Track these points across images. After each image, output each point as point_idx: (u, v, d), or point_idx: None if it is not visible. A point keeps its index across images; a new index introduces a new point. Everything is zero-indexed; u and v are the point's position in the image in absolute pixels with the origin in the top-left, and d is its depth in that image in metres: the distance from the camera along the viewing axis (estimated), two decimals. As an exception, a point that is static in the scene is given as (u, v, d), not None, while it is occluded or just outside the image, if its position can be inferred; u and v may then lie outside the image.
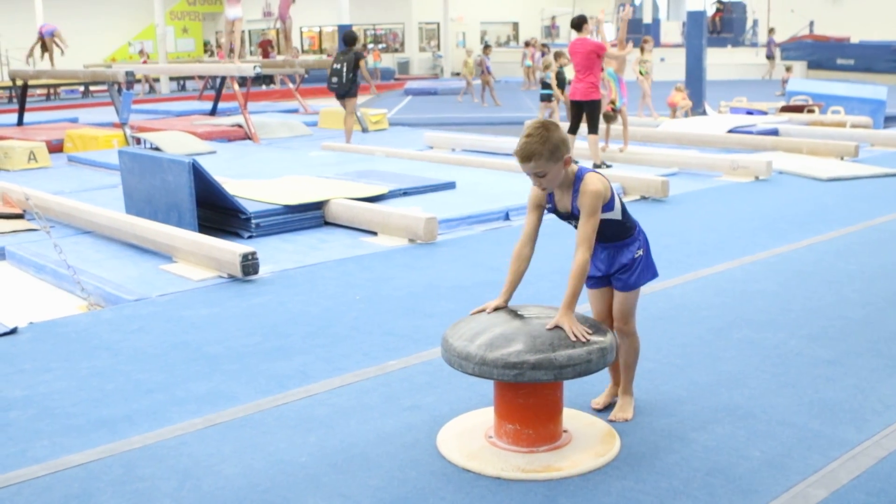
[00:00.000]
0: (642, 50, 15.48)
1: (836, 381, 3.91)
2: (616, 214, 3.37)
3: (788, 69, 22.66)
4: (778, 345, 4.38)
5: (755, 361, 4.16)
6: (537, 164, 3.17)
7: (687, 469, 3.13)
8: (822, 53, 28.99)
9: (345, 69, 12.69)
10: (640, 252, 3.48)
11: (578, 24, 10.28)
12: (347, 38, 13.02)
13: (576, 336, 3.10)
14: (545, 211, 3.39)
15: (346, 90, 12.81)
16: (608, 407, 3.65)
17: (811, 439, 3.34)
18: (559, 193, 3.32)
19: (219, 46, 29.37)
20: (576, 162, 3.57)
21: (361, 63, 12.79)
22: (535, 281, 4.83)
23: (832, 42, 30.85)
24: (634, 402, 3.62)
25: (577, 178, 3.27)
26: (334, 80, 12.78)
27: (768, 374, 4.00)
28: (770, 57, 29.27)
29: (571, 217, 3.33)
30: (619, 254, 3.47)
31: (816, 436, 3.37)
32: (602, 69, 10.35)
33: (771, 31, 29.66)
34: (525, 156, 3.18)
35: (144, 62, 31.20)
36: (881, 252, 6.20)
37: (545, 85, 14.09)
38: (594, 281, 3.56)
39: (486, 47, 24.72)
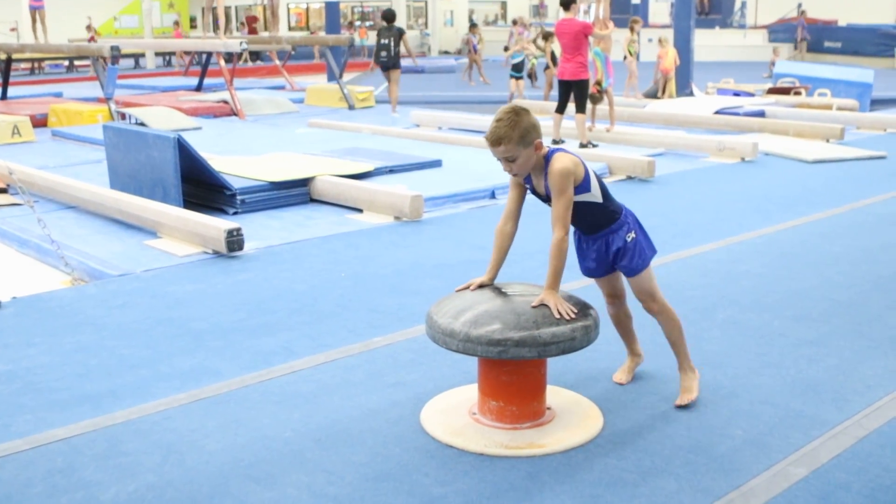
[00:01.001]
0: (631, 30, 15.46)
1: (818, 361, 3.93)
2: (595, 196, 3.31)
3: (776, 51, 22.64)
4: (762, 325, 4.40)
5: (739, 341, 4.18)
6: (507, 149, 3.15)
7: (669, 447, 3.15)
8: (810, 36, 29.01)
9: (392, 43, 14.01)
10: (633, 235, 3.42)
11: (567, 3, 10.24)
12: (388, 15, 14.44)
13: (560, 313, 3.11)
14: (526, 190, 3.37)
15: (393, 62, 14.17)
16: (631, 383, 3.71)
17: (793, 419, 3.36)
18: (535, 177, 3.29)
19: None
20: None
21: (405, 37, 14.26)
22: (520, 260, 4.84)
23: (820, 25, 30.86)
24: (699, 377, 3.58)
25: (546, 159, 3.23)
26: (383, 53, 14.09)
27: (752, 354, 4.03)
28: (804, 40, 28.63)
29: (547, 199, 3.30)
30: (609, 243, 3.42)
31: (798, 415, 3.39)
32: (589, 48, 10.33)
33: (802, 13, 29.10)
34: (495, 140, 3.15)
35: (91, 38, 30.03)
36: (865, 234, 6.23)
37: (515, 67, 14.32)
38: (594, 272, 3.56)
39: (473, 26, 24.68)
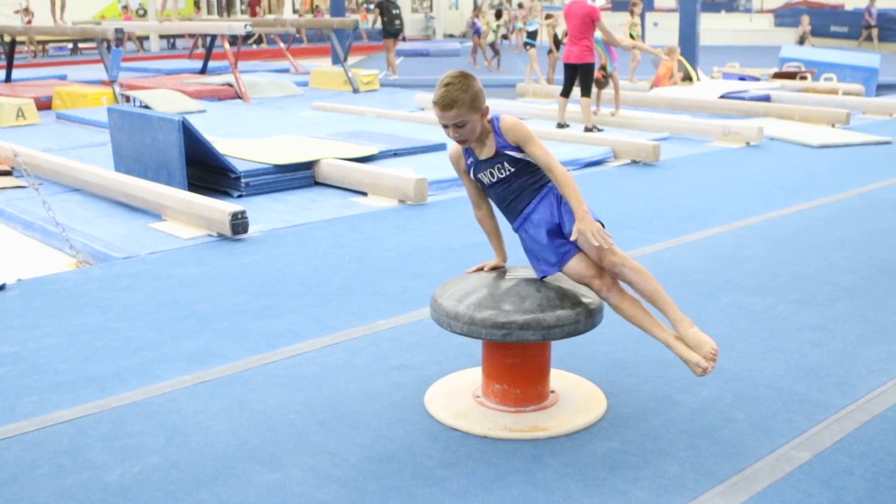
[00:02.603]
0: (632, 13, 15.39)
1: (822, 346, 3.93)
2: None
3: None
4: (766, 309, 4.40)
5: (743, 325, 4.19)
6: (458, 113, 3.06)
7: (672, 430, 3.15)
8: (816, 20, 28.89)
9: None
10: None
11: None
12: None
13: (600, 237, 3.01)
14: (472, 173, 3.28)
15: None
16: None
17: (796, 403, 3.36)
18: (478, 146, 3.20)
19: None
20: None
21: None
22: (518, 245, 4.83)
23: (826, 9, 30.74)
24: (697, 331, 3.12)
25: (494, 121, 3.17)
26: (397, 22, 17.57)
27: (755, 338, 4.03)
28: (867, 27, 27.80)
29: (496, 160, 3.17)
30: (548, 205, 3.19)
31: (801, 399, 3.39)
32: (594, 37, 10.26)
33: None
34: (447, 103, 3.06)
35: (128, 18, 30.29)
36: (870, 219, 6.22)
37: (530, 35, 14.51)
38: (552, 257, 3.19)
39: (476, 8, 24.66)
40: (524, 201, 3.23)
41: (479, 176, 3.26)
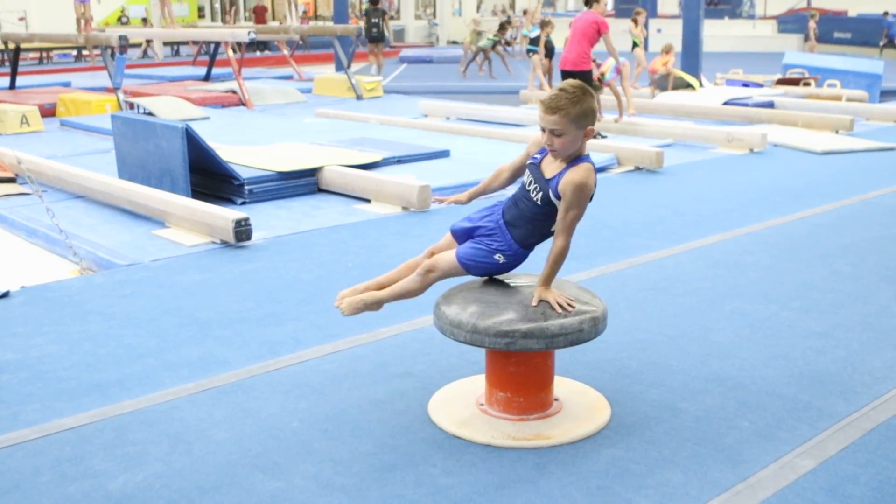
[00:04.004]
0: (635, 22, 15.40)
1: (826, 353, 3.92)
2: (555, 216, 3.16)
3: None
4: (769, 316, 4.39)
5: (746, 333, 4.18)
6: (559, 121, 3.02)
7: (676, 438, 3.14)
8: (819, 27, 28.88)
9: (380, 21, 19.23)
10: (500, 256, 3.22)
11: (588, 1, 10.26)
12: None
13: (561, 307, 3.09)
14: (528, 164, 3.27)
15: (380, 36, 19.38)
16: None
17: (800, 410, 3.36)
18: (552, 158, 3.16)
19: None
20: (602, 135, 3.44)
21: (386, 17, 19.44)
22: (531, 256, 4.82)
23: (830, 15, 30.75)
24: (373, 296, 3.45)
25: (578, 158, 3.12)
26: (374, 30, 19.15)
27: (759, 345, 4.02)
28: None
29: (542, 183, 3.14)
30: (494, 228, 3.25)
31: (806, 407, 3.38)
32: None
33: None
34: (553, 108, 3.03)
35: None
36: (874, 226, 6.21)
37: (532, 41, 14.51)
38: (458, 232, 3.39)
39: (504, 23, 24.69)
40: (511, 220, 3.23)
41: (527, 170, 3.25)
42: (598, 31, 9.94)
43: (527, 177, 3.23)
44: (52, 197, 7.27)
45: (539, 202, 3.15)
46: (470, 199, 3.50)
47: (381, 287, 3.49)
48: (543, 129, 3.11)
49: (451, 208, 6.73)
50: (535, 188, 3.17)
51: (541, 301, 3.11)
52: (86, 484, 2.89)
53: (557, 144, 3.08)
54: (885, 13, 28.79)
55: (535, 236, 3.23)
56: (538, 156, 3.23)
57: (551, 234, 3.21)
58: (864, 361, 3.83)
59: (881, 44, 27.79)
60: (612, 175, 8.27)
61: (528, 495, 2.78)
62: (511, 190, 3.40)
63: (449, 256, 3.30)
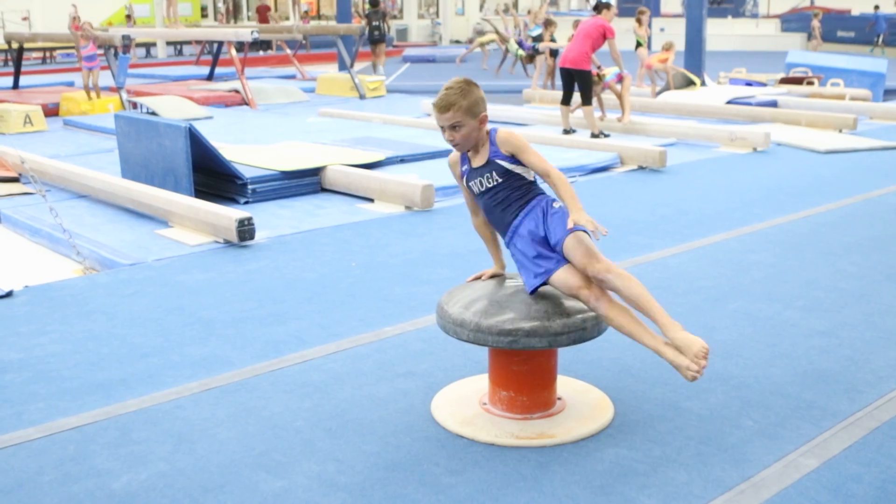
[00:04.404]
0: (639, 21, 15.37)
1: (829, 352, 3.92)
2: (527, 173, 3.27)
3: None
4: (773, 315, 4.39)
5: (750, 332, 4.17)
6: (454, 115, 3.17)
7: (680, 437, 3.14)
8: (823, 25, 28.88)
9: (381, 23, 19.90)
10: (558, 203, 3.22)
11: (599, 7, 10.27)
12: (374, 0, 20.71)
13: (595, 226, 3.04)
14: (465, 180, 3.33)
15: (381, 37, 19.88)
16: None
17: (804, 409, 3.35)
18: (473, 155, 3.29)
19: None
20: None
21: (387, 17, 20.67)
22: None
23: (833, 14, 30.71)
24: (686, 334, 3.00)
25: (491, 133, 3.27)
26: (376, 33, 19.64)
27: (763, 344, 4.01)
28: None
29: (487, 169, 3.22)
30: (545, 208, 3.22)
31: (809, 406, 3.38)
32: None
33: None
34: (444, 105, 3.18)
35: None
36: (877, 225, 6.20)
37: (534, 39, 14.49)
38: (541, 266, 3.15)
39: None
40: (511, 214, 3.26)
41: (470, 184, 3.32)
42: (604, 36, 9.96)
43: (477, 186, 3.29)
44: (56, 196, 7.28)
45: (500, 178, 3.24)
46: (503, 263, 3.46)
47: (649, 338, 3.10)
48: (443, 129, 3.24)
49: (457, 212, 6.74)
50: (485, 178, 3.26)
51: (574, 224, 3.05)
52: (89, 483, 2.89)
53: (459, 137, 3.23)
54: (876, 7, 28.82)
55: (531, 193, 3.27)
56: (465, 166, 3.34)
57: (532, 185, 3.29)
58: (867, 360, 3.82)
59: (875, 40, 27.76)
60: (615, 174, 8.27)
61: (531, 494, 2.78)
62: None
63: (572, 244, 3.08)
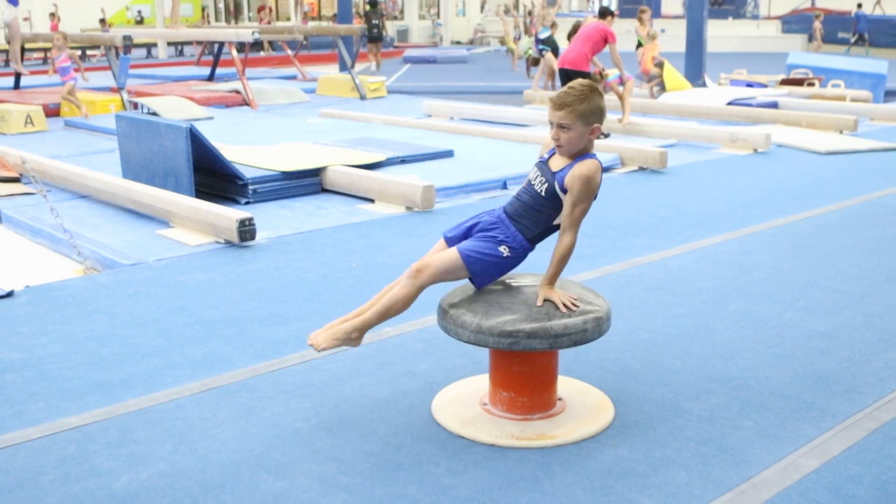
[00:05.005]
0: (640, 21, 15.37)
1: (830, 353, 3.92)
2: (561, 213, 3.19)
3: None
4: (773, 317, 4.39)
5: (750, 333, 4.17)
6: (566, 115, 3.10)
7: (680, 438, 3.14)
8: (824, 27, 28.88)
9: (379, 22, 21.50)
10: (504, 248, 3.21)
11: (603, 14, 10.32)
12: (373, 1, 22.54)
13: (566, 306, 3.10)
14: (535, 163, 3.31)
15: (379, 36, 21.32)
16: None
17: (804, 410, 3.35)
18: (557, 157, 3.22)
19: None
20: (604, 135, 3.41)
21: (384, 18, 22.06)
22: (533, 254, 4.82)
23: (834, 15, 30.70)
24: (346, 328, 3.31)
25: (585, 155, 3.18)
26: (374, 31, 20.99)
27: (763, 345, 4.02)
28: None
29: (546, 176, 3.19)
30: (491, 227, 3.26)
31: (809, 407, 3.38)
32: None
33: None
34: (560, 103, 3.11)
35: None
36: (878, 226, 6.20)
37: (544, 41, 14.45)
38: (453, 238, 3.34)
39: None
40: (510, 210, 3.25)
41: (533, 169, 3.28)
42: (605, 39, 10.00)
43: (532, 174, 3.26)
44: (57, 197, 7.28)
45: (543, 193, 3.18)
46: None
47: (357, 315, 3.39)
48: (552, 124, 3.17)
49: (458, 213, 6.74)
50: (540, 181, 3.20)
51: (545, 301, 3.12)
52: (90, 483, 2.89)
53: (564, 139, 3.14)
54: (859, 6, 28.85)
55: (539, 228, 3.24)
56: (546, 156, 3.27)
57: (553, 228, 3.23)
58: (868, 361, 3.83)
59: (854, 39, 27.80)
60: (615, 175, 8.27)
61: (531, 495, 2.78)
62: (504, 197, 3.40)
63: (446, 253, 3.23)
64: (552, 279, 3.16)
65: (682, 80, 14.79)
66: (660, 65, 14.43)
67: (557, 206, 3.18)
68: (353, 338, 3.32)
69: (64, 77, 12.71)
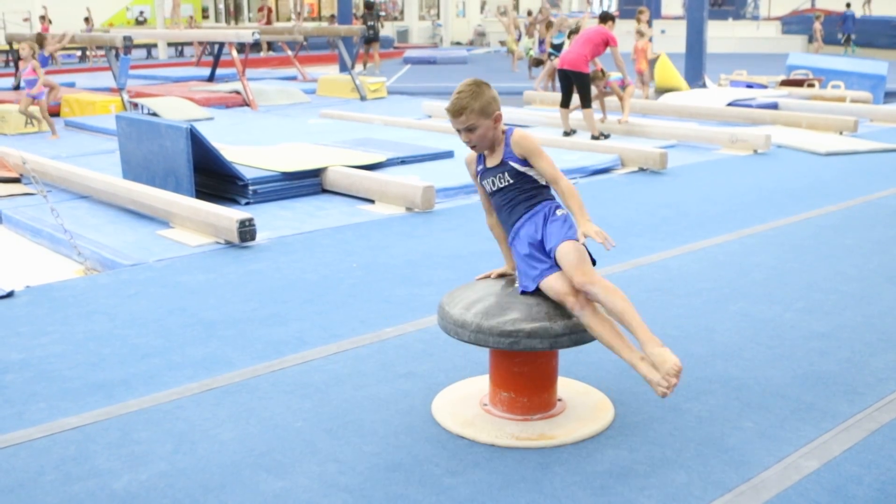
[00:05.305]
0: (638, 21, 15.37)
1: (829, 354, 3.92)
2: (539, 178, 3.28)
3: None
4: (773, 317, 4.39)
5: (750, 333, 4.18)
6: (468, 118, 3.19)
7: (680, 439, 3.14)
8: (824, 28, 28.86)
9: (375, 23, 21.41)
10: (561, 211, 3.26)
11: (604, 18, 10.33)
12: (369, 3, 22.97)
13: (604, 238, 3.07)
14: (479, 178, 3.37)
15: (375, 36, 21.36)
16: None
17: (804, 411, 3.36)
18: (489, 154, 3.31)
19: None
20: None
21: (380, 18, 22.39)
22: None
23: (834, 16, 30.69)
24: (662, 350, 3.01)
25: (507, 133, 3.28)
26: (370, 32, 20.64)
27: (763, 346, 4.02)
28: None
29: (500, 169, 3.25)
30: (534, 222, 3.24)
31: (809, 408, 3.38)
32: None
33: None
34: (457, 109, 3.20)
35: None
36: (878, 227, 6.21)
37: (555, 47, 14.38)
38: (532, 272, 3.19)
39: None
40: (516, 215, 3.29)
41: (484, 182, 3.36)
42: (605, 43, 10.02)
43: (488, 185, 3.33)
44: (57, 197, 7.28)
45: (511, 179, 3.26)
46: (513, 264, 3.39)
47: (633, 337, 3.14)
48: (459, 132, 3.26)
49: (458, 213, 6.75)
50: (499, 178, 3.29)
51: (584, 236, 3.11)
52: (90, 483, 2.89)
53: (476, 138, 3.25)
54: (848, 5, 28.86)
55: (540, 195, 3.29)
56: (480, 166, 3.36)
57: (544, 186, 3.30)
58: (867, 362, 3.83)
59: (842, 39, 27.81)
60: (615, 176, 8.28)
61: (531, 495, 2.79)
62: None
63: (564, 252, 3.10)
64: (582, 212, 3.15)
65: (676, 74, 14.78)
66: (653, 61, 14.45)
67: (527, 178, 3.26)
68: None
69: (29, 90, 11.32)
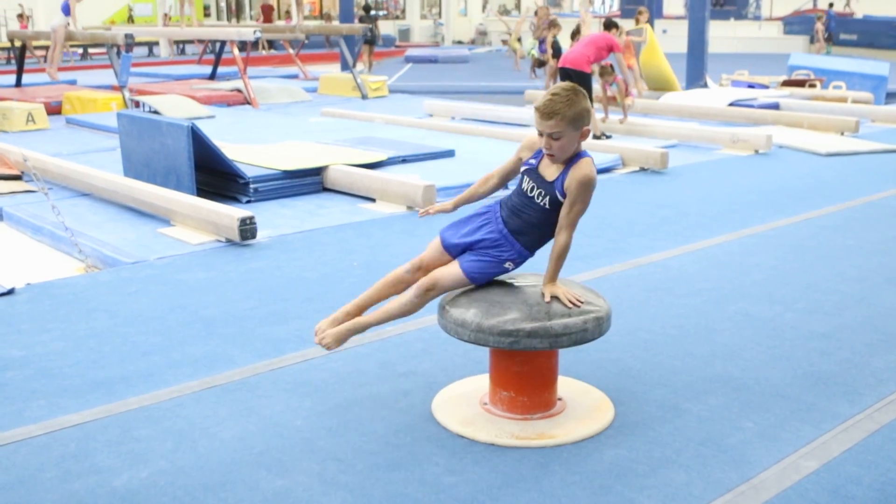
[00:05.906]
0: (637, 22, 15.37)
1: (830, 354, 3.92)
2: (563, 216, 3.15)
3: None
4: (773, 318, 4.39)
5: (750, 334, 4.18)
6: (557, 124, 3.03)
7: (680, 439, 3.15)
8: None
9: (373, 26, 21.85)
10: (510, 264, 3.23)
11: (608, 26, 10.37)
12: (367, 6, 23.54)
13: (571, 302, 3.10)
14: (520, 170, 3.27)
15: (374, 39, 21.93)
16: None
17: (804, 411, 3.36)
18: (546, 163, 3.16)
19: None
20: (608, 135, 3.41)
21: (377, 22, 23.69)
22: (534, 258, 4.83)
23: (836, 17, 30.69)
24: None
25: (576, 155, 3.13)
26: (369, 34, 19.69)
27: (763, 346, 4.02)
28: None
29: (545, 187, 3.13)
30: (497, 237, 3.21)
31: (809, 408, 3.38)
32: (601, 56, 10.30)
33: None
34: (549, 112, 3.03)
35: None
36: (879, 228, 6.21)
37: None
38: (451, 246, 3.30)
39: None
40: (511, 223, 3.20)
41: (524, 177, 3.22)
42: (609, 48, 10.05)
43: (526, 183, 3.20)
44: (58, 194, 7.28)
45: (547, 206, 3.14)
46: (456, 207, 3.47)
47: (360, 309, 3.43)
48: (541, 134, 3.11)
49: (458, 213, 6.74)
50: (539, 193, 3.15)
51: (552, 297, 3.11)
52: (90, 480, 2.90)
53: (556, 148, 3.09)
54: (830, 5, 28.82)
55: (546, 238, 3.23)
56: (533, 161, 3.22)
57: (551, 232, 3.22)
58: (867, 363, 3.83)
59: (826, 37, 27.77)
60: (616, 176, 8.28)
61: (531, 494, 2.79)
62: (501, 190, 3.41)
63: (452, 272, 3.22)
64: (553, 277, 3.16)
65: (659, 51, 14.73)
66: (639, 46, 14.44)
67: (555, 216, 3.16)
68: (360, 333, 3.45)
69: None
